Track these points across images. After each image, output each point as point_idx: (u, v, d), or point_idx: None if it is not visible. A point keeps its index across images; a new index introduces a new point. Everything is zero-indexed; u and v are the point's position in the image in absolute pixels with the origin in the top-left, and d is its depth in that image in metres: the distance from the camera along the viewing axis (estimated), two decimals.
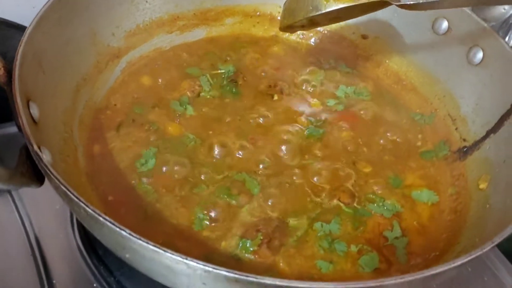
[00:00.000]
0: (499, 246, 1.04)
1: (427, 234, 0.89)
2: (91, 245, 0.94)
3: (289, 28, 0.98)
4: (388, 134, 1.03)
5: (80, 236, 0.95)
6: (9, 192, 1.01)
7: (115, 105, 1.02)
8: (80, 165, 0.90)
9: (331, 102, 1.08)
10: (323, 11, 0.88)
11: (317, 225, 0.85)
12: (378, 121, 1.06)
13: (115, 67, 1.07)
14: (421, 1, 0.84)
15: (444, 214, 0.92)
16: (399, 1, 0.86)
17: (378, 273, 0.81)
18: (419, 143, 1.04)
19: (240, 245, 0.82)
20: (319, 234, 0.85)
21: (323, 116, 1.05)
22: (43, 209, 0.99)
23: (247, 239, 0.82)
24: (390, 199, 0.92)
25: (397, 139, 1.03)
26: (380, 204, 0.91)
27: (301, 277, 0.78)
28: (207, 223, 0.84)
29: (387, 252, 0.84)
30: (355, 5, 0.87)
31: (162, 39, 1.16)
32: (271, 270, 0.79)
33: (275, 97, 1.08)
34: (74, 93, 0.96)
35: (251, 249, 0.81)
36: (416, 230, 0.88)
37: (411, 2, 0.84)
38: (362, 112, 1.07)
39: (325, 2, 0.88)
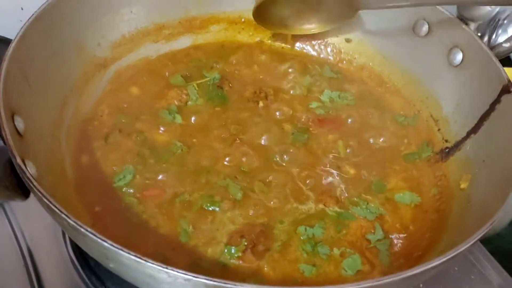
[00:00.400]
0: (486, 244, 1.06)
1: (410, 235, 0.90)
2: (83, 256, 0.96)
3: (261, 18, 1.04)
4: (371, 139, 1.05)
5: (72, 247, 0.97)
6: (1, 205, 1.02)
7: (101, 116, 1.03)
8: (68, 176, 0.91)
9: (316, 107, 1.10)
10: None
11: (301, 229, 0.87)
12: (362, 125, 1.08)
13: (102, 78, 1.08)
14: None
15: (427, 214, 0.94)
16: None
17: (361, 275, 0.82)
18: (402, 147, 1.05)
19: (226, 251, 0.83)
20: (302, 238, 0.86)
21: (308, 121, 1.07)
22: (35, 221, 1.00)
23: (232, 246, 0.83)
24: (374, 202, 0.94)
25: (382, 143, 1.05)
26: (364, 207, 0.92)
27: (284, 281, 0.80)
28: (192, 230, 0.86)
29: (370, 255, 0.86)
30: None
31: (148, 48, 1.17)
32: (256, 275, 0.81)
33: (261, 104, 1.09)
34: (61, 104, 0.97)
35: (236, 255, 0.82)
36: (399, 232, 0.90)
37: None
38: (346, 117, 1.08)
39: None
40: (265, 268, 0.82)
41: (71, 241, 0.97)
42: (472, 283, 1.01)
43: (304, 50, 1.25)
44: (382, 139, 1.05)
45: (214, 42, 1.23)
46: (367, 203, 0.93)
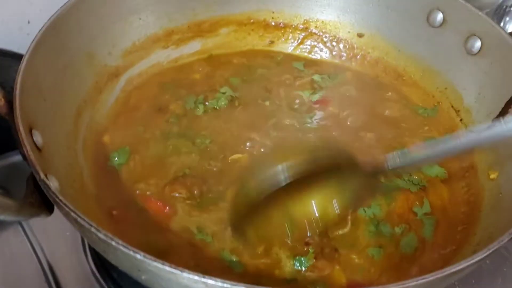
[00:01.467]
0: None
1: (444, 225, 0.88)
2: (105, 268, 0.94)
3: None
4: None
5: (93, 260, 0.95)
6: (19, 222, 1.00)
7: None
8: (87, 188, 0.90)
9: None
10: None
11: (360, 212, 0.85)
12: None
13: (114, 86, 1.07)
14: None
15: (458, 206, 0.91)
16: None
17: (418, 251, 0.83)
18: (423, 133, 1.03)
19: (297, 265, 0.79)
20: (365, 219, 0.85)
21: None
22: (54, 236, 0.99)
23: (300, 257, 0.80)
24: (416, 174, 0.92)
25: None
26: (406, 178, 0.91)
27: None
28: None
29: (416, 228, 0.86)
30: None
31: (159, 54, 1.16)
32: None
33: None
34: (75, 116, 0.95)
35: (308, 264, 0.79)
36: (441, 210, 0.89)
37: None
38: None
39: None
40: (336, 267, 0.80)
41: (92, 254, 0.96)
42: (505, 276, 0.98)
43: (316, 48, 1.23)
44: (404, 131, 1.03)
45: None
46: (410, 175, 0.91)
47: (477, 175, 0.94)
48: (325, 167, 0.71)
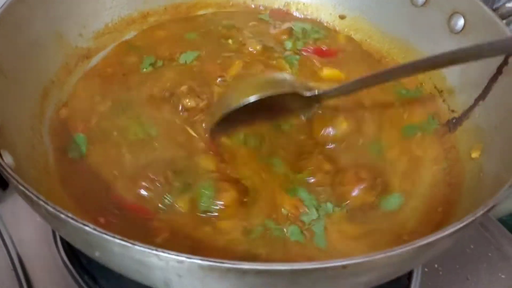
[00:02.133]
0: (503, 222, 1.01)
1: (422, 209, 0.84)
2: (75, 254, 0.91)
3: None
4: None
5: (64, 249, 0.92)
6: None
7: None
8: (51, 170, 0.85)
9: None
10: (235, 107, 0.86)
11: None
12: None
13: (85, 68, 1.03)
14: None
15: (439, 188, 0.88)
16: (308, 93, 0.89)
17: None
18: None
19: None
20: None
21: None
22: (24, 224, 0.96)
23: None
24: None
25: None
26: None
27: None
28: None
29: None
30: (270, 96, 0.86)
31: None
32: None
33: None
34: (41, 96, 0.92)
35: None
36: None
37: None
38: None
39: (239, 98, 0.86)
40: None
41: (63, 242, 0.92)
42: (489, 261, 0.96)
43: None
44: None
45: None
46: None
47: (458, 155, 0.90)
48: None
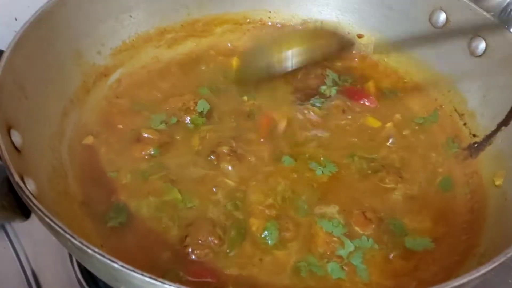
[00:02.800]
0: None
1: (443, 238, 0.84)
2: (91, 276, 0.89)
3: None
4: None
5: (79, 267, 0.90)
6: (2, 226, 0.96)
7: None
8: (72, 192, 0.85)
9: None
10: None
11: None
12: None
13: (103, 86, 1.03)
14: None
15: (461, 215, 0.87)
16: None
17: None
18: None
19: None
20: None
21: None
22: (39, 242, 0.95)
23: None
24: None
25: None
26: None
27: None
28: None
29: None
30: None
31: (150, 54, 1.12)
32: None
33: None
34: (61, 116, 0.92)
35: None
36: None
37: None
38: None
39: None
40: None
41: (78, 261, 0.91)
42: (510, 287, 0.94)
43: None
44: None
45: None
46: None
47: (481, 181, 0.90)
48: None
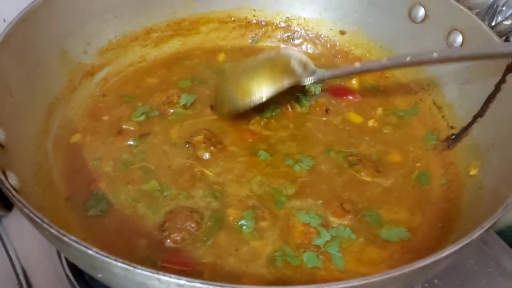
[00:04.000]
0: (503, 237, 1.01)
1: (420, 226, 0.85)
2: (79, 271, 0.91)
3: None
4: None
5: (68, 264, 0.92)
6: None
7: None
8: (56, 187, 0.87)
9: None
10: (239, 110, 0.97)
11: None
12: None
13: (89, 85, 1.05)
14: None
15: (439, 204, 0.89)
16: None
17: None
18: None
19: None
20: None
21: None
22: (29, 240, 0.96)
23: None
24: None
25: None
26: None
27: None
28: None
29: None
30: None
31: (137, 53, 1.14)
32: None
33: None
34: (46, 114, 0.93)
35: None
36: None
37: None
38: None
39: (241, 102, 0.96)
40: None
41: (66, 258, 0.93)
42: (489, 276, 0.95)
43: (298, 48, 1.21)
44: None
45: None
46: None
47: (457, 171, 0.91)
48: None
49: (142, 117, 1.00)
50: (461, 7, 0.98)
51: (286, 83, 0.96)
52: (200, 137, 0.95)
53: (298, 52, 1.05)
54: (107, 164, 0.92)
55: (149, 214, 0.84)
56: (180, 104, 1.03)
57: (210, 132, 0.97)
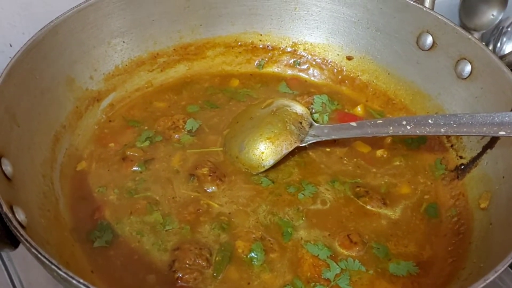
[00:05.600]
0: None
1: (430, 260, 0.84)
2: None
3: None
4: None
5: None
6: None
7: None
8: (62, 218, 0.86)
9: None
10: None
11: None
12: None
13: (96, 111, 1.05)
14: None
15: (448, 237, 0.88)
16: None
17: None
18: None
19: None
20: None
21: None
22: (33, 265, 0.93)
23: None
24: None
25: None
26: None
27: None
28: None
29: None
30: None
31: (143, 78, 1.13)
32: None
33: None
34: (52, 142, 0.93)
35: None
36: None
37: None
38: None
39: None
40: None
41: None
42: None
43: (303, 75, 1.21)
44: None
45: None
46: None
47: (467, 204, 0.91)
48: None
49: (147, 143, 1.00)
50: (470, 36, 0.98)
51: (285, 151, 0.96)
52: (205, 170, 0.94)
53: (294, 104, 1.04)
54: (112, 192, 0.92)
55: (155, 250, 0.83)
56: (185, 130, 1.02)
57: (214, 165, 0.96)
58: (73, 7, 0.97)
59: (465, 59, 0.98)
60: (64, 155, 0.95)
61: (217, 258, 0.82)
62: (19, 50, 0.87)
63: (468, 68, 0.98)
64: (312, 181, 0.95)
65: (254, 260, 0.82)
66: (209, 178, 0.93)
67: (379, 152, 1.02)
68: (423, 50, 1.06)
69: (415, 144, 1.04)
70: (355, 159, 1.01)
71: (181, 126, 1.03)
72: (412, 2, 1.05)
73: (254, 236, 0.85)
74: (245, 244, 0.83)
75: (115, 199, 0.91)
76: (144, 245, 0.84)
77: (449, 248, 0.86)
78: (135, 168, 0.95)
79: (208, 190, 0.92)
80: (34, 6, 1.12)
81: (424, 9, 1.04)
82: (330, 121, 1.08)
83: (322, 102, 1.11)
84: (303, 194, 0.92)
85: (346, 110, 1.11)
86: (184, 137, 1.02)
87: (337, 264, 0.82)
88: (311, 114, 1.08)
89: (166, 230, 0.86)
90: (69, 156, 0.96)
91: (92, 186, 0.92)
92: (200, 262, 0.80)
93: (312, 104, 1.11)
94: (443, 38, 1.02)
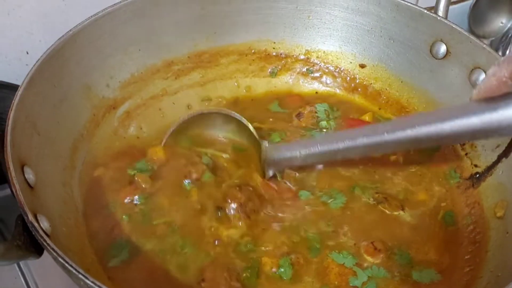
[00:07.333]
0: None
1: (448, 268, 0.85)
2: None
3: None
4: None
5: None
6: None
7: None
8: (82, 226, 0.87)
9: None
10: None
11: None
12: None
13: (112, 119, 1.05)
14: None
15: (465, 246, 0.88)
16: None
17: None
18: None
19: None
20: None
21: None
22: (50, 273, 0.95)
23: None
24: None
25: None
26: None
27: None
28: None
29: None
30: None
31: (158, 86, 1.14)
32: None
33: None
34: (71, 150, 0.94)
35: None
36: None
37: None
38: None
39: None
40: None
41: None
42: None
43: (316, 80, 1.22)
44: None
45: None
46: None
47: (483, 212, 0.91)
48: None
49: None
50: (484, 45, 0.98)
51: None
52: (234, 205, 0.89)
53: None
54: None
55: (178, 271, 0.83)
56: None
57: (244, 195, 0.90)
58: (91, 16, 0.98)
59: (479, 67, 0.99)
60: (82, 163, 0.95)
61: (246, 274, 0.82)
62: (39, 59, 0.88)
63: (482, 77, 0.98)
64: (336, 188, 0.95)
65: (283, 275, 0.82)
66: (238, 215, 0.89)
67: (393, 158, 1.03)
68: (436, 58, 1.07)
69: (429, 151, 1.05)
70: (370, 163, 1.01)
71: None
72: (426, 11, 1.06)
73: (281, 251, 0.85)
74: (272, 260, 0.83)
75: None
76: (167, 263, 0.83)
77: (466, 257, 0.86)
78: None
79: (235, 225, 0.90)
80: (51, 15, 1.12)
81: (438, 18, 1.05)
82: (337, 127, 1.09)
83: (325, 110, 1.11)
84: (334, 203, 0.92)
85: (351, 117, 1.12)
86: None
87: (364, 272, 0.82)
88: (318, 122, 1.10)
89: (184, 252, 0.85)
90: (87, 164, 0.96)
91: (107, 200, 0.92)
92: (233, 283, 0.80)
93: (316, 112, 1.12)
94: (457, 47, 1.03)
